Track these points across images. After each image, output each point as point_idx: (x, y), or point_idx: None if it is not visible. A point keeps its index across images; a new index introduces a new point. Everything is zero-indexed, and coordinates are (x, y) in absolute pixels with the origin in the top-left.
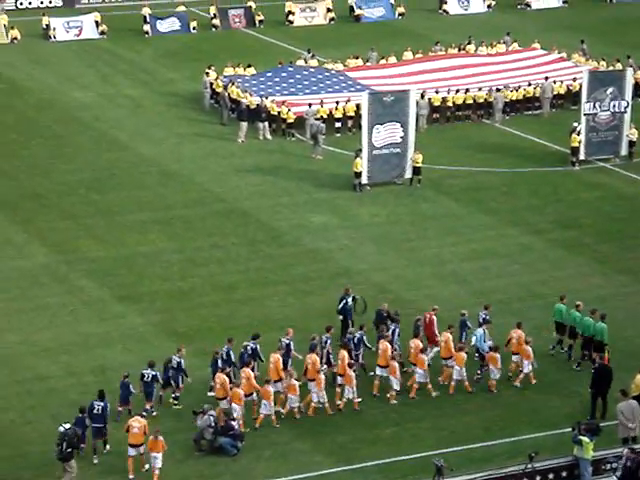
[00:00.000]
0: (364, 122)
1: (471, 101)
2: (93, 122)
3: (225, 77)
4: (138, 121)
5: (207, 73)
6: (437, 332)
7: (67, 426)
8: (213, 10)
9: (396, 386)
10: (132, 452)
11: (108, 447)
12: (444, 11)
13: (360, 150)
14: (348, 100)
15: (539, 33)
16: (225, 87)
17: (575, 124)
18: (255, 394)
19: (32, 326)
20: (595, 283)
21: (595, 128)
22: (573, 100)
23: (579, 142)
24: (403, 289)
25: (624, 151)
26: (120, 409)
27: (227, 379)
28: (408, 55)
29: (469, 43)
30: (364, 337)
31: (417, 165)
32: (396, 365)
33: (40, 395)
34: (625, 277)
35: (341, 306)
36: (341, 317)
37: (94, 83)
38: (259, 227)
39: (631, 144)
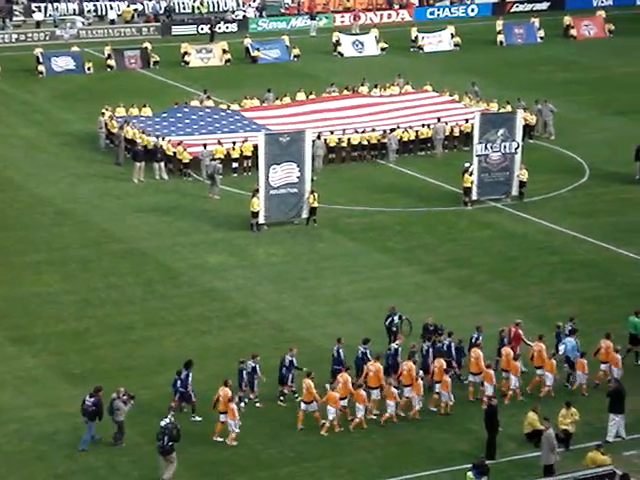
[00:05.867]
0: (260, 162)
1: (366, 142)
2: None
3: (119, 118)
4: (33, 161)
5: (102, 113)
6: (528, 342)
7: (167, 420)
8: (108, 51)
9: (490, 392)
10: (221, 418)
11: (198, 418)
12: (339, 53)
13: (257, 190)
14: (245, 140)
15: (432, 75)
16: (121, 127)
17: (467, 164)
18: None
19: None
20: (489, 321)
21: (487, 169)
22: (465, 141)
23: (471, 182)
24: (300, 328)
25: (515, 191)
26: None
27: (312, 384)
28: (301, 96)
29: (362, 85)
30: (368, 352)
31: (313, 205)
32: (492, 373)
33: None
34: (517, 314)
35: (388, 323)
36: (388, 333)
37: None
38: (156, 267)
39: (522, 184)
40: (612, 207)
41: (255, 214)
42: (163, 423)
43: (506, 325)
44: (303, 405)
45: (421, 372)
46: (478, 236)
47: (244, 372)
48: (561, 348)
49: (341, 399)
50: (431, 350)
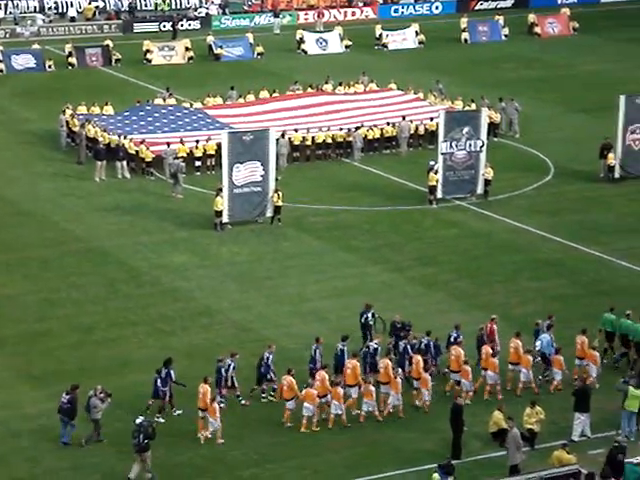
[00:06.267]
0: (224, 161)
1: (330, 140)
2: None
3: (80, 116)
4: None
5: (63, 112)
6: (497, 340)
7: (142, 418)
8: (69, 48)
9: (469, 388)
10: (199, 414)
11: (179, 411)
12: (302, 51)
13: (220, 189)
14: (208, 138)
15: (396, 73)
16: (82, 126)
17: (432, 163)
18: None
19: None
20: (454, 319)
21: (452, 167)
22: (430, 139)
23: (436, 181)
24: (264, 327)
25: (480, 189)
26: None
27: (293, 380)
28: (264, 94)
29: (327, 82)
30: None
31: (277, 204)
32: (469, 369)
33: None
34: (481, 313)
35: (363, 320)
36: (363, 330)
37: None
38: (118, 267)
39: (487, 183)
40: (577, 205)
41: (219, 213)
42: (138, 421)
43: (483, 323)
44: (287, 403)
45: (400, 370)
46: (443, 234)
47: (222, 370)
48: (537, 344)
49: (320, 397)
50: (408, 347)
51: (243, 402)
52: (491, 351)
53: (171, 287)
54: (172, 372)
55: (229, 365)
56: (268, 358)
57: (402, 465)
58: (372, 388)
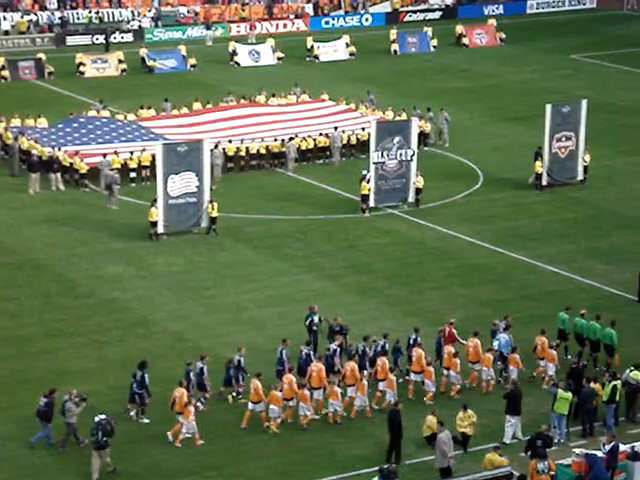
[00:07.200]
0: (158, 172)
1: (264, 150)
2: None
3: (14, 128)
4: None
5: None
6: (462, 340)
7: (102, 416)
8: (2, 62)
9: (432, 388)
10: (179, 419)
11: (146, 420)
12: (235, 63)
13: (155, 200)
14: (143, 150)
15: (328, 84)
16: (15, 138)
17: (364, 172)
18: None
19: None
20: (387, 326)
21: (384, 176)
22: (362, 149)
23: (368, 190)
24: (201, 337)
25: (411, 198)
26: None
27: (260, 384)
28: (198, 105)
29: (260, 94)
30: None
31: (212, 214)
32: (432, 370)
33: None
34: (414, 319)
35: (308, 323)
36: (309, 333)
37: None
38: (53, 279)
39: (418, 191)
40: (506, 212)
41: (154, 224)
42: (97, 419)
43: (427, 327)
44: (250, 405)
45: (365, 371)
46: (376, 242)
47: (191, 374)
48: (495, 344)
49: (286, 399)
50: (367, 350)
51: (202, 407)
52: (453, 351)
53: (107, 298)
54: (146, 376)
55: (201, 368)
56: (239, 361)
57: (337, 471)
58: (337, 389)
